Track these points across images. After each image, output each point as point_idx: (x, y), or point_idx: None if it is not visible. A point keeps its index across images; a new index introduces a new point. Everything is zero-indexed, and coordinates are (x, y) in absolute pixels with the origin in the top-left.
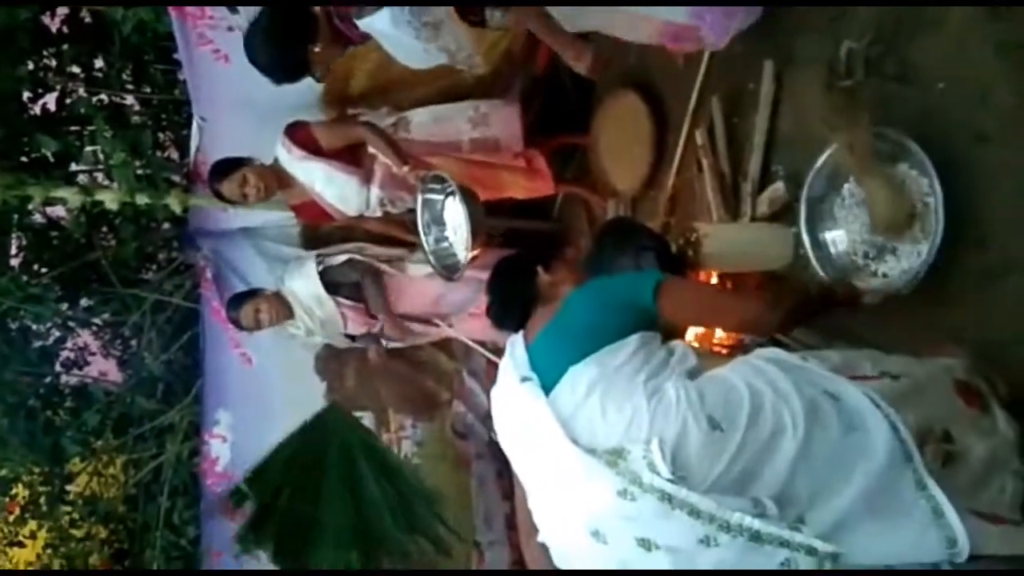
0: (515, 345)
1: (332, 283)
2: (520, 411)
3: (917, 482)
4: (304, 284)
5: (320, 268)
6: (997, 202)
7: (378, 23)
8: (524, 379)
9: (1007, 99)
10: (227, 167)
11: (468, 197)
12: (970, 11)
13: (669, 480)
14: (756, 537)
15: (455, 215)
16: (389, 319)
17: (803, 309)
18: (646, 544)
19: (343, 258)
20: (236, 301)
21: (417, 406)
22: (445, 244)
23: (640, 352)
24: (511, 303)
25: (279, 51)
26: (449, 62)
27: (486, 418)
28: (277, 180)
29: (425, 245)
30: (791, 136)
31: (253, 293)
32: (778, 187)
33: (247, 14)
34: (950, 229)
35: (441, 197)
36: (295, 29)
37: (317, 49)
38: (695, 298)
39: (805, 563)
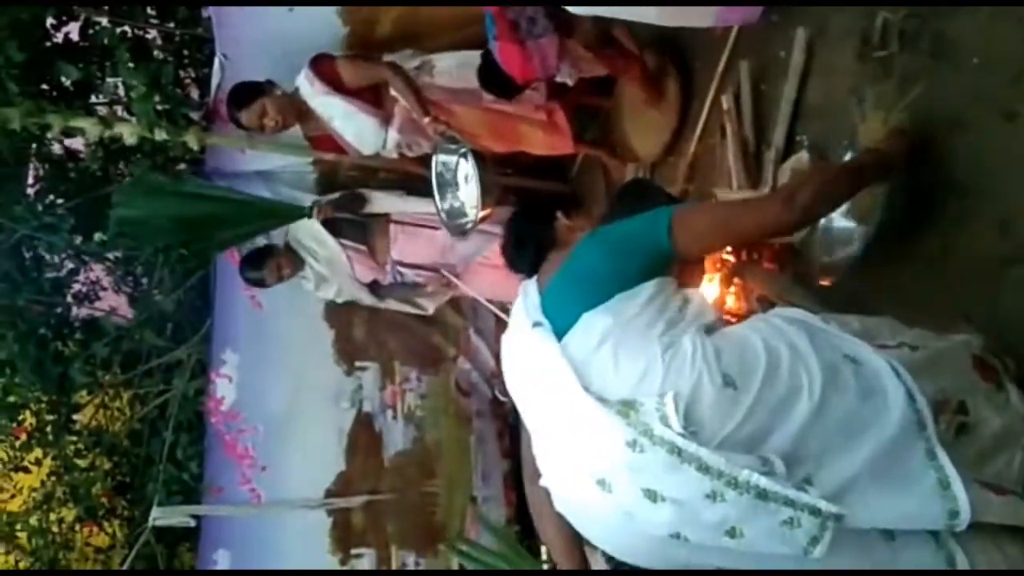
0: (528, 290)
1: (333, 226)
2: (531, 356)
3: (927, 452)
4: (306, 227)
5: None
6: (1020, 186)
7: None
8: (536, 324)
9: None
10: (247, 94)
11: (480, 159)
12: None
13: (680, 434)
14: (762, 495)
15: (467, 175)
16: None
17: (832, 186)
18: (652, 495)
19: (338, 194)
20: (254, 262)
21: (423, 360)
22: (457, 204)
23: (656, 300)
24: (527, 243)
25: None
26: None
27: (491, 377)
28: (296, 112)
29: (438, 203)
30: (819, 106)
31: (269, 251)
32: (802, 156)
33: None
34: (971, 209)
35: (455, 158)
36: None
37: None
38: (709, 219)
39: (808, 522)
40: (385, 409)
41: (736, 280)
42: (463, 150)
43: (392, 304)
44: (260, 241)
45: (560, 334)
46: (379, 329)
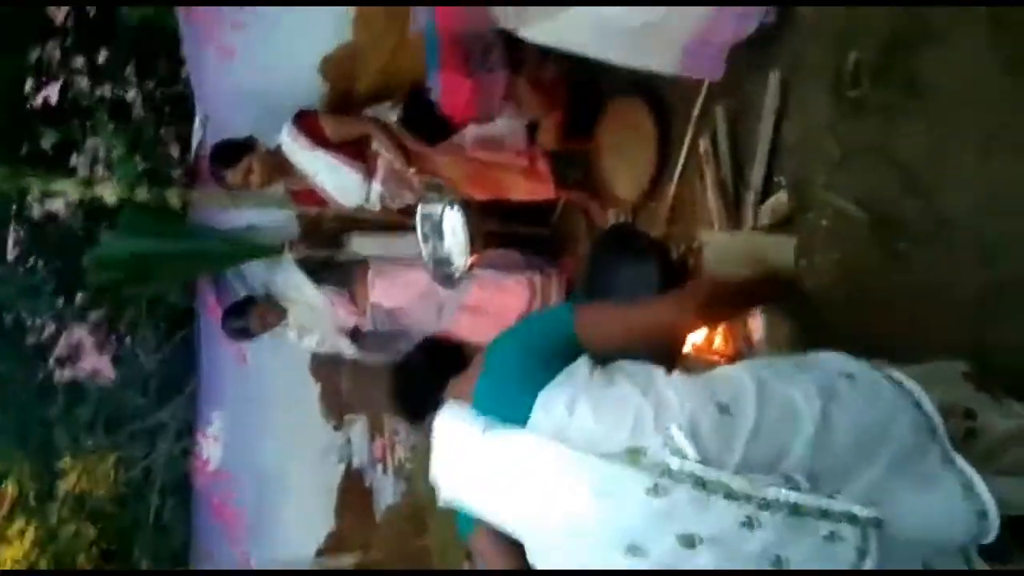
0: (450, 413)
1: (312, 272)
2: (499, 462)
3: (943, 456)
4: (284, 275)
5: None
6: (1002, 218)
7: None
8: (487, 429)
9: (1015, 113)
10: (233, 153)
11: (466, 208)
12: (976, 25)
13: (699, 461)
14: (796, 511)
15: (453, 225)
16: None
17: (722, 295)
18: (688, 541)
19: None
20: (237, 313)
21: None
22: (443, 252)
23: (599, 365)
24: (417, 394)
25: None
26: None
27: None
28: (280, 168)
29: (424, 253)
30: (795, 146)
31: (251, 301)
32: (781, 196)
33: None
34: (953, 244)
35: (439, 207)
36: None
37: None
38: (609, 318)
39: (848, 533)
40: (375, 463)
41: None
42: (449, 200)
43: (372, 357)
44: (240, 293)
45: (520, 424)
46: (366, 381)
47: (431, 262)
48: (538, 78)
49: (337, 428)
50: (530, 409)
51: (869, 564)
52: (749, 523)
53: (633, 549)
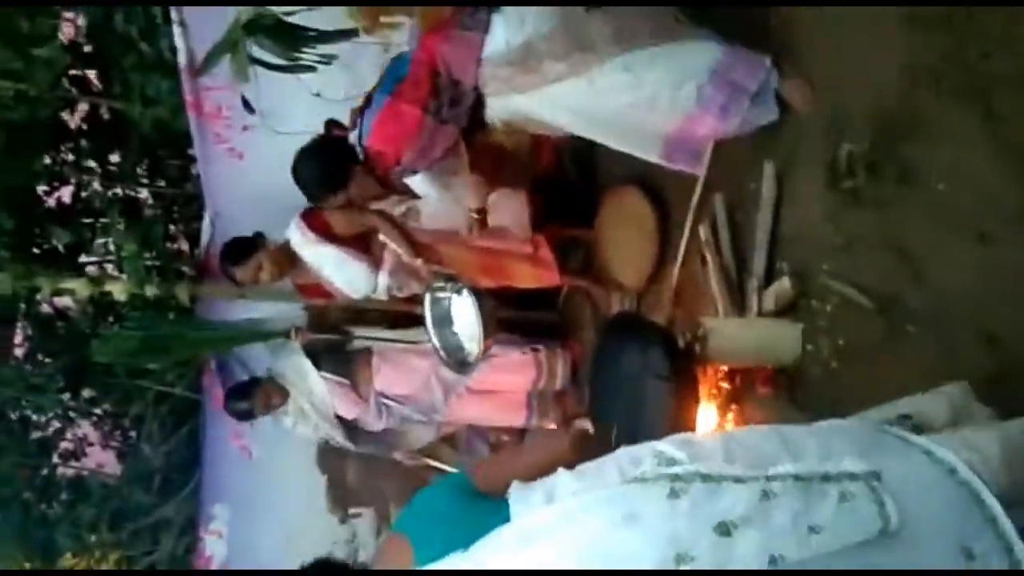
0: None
1: (317, 359)
2: (512, 556)
3: (899, 438)
4: (288, 359)
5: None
6: (1000, 303)
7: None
8: (467, 548)
9: (1010, 200)
10: (243, 250)
11: (477, 294)
12: (966, 112)
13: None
14: (800, 479)
15: (463, 311)
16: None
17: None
18: (724, 528)
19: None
20: (240, 394)
21: None
22: (453, 339)
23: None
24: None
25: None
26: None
27: None
28: (289, 262)
29: (435, 341)
30: (796, 234)
31: (256, 383)
32: (784, 283)
33: (262, 113)
34: (955, 328)
35: (448, 295)
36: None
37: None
38: (498, 470)
39: (857, 489)
40: None
41: (733, 406)
42: (459, 287)
43: (363, 448)
44: (243, 376)
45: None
46: (373, 472)
47: (442, 350)
48: (485, 146)
49: (343, 521)
50: (507, 512)
51: (894, 518)
52: (767, 495)
53: (681, 559)
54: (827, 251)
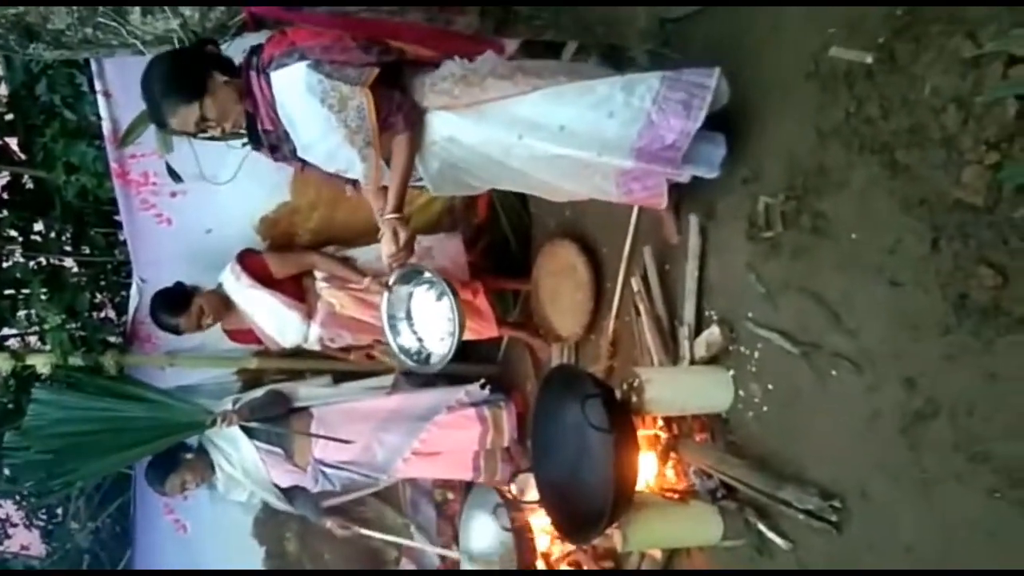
0: None
1: (250, 430)
2: None
3: None
4: (220, 430)
5: (237, 406)
6: (912, 344)
7: (294, 74)
8: None
9: (916, 248)
10: (179, 300)
11: (452, 287)
12: (872, 170)
13: None
14: None
15: (427, 307)
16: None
17: None
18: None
19: (260, 392)
20: (157, 472)
21: (363, 567)
22: (412, 342)
23: None
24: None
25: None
26: (345, 139)
27: None
28: (224, 304)
29: (393, 344)
30: (722, 283)
31: (174, 462)
32: (714, 331)
33: (190, 182)
34: (873, 368)
35: (411, 288)
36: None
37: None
38: None
39: None
40: None
41: (672, 455)
42: (423, 279)
43: (303, 511)
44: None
45: None
46: (313, 541)
47: (403, 353)
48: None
49: None
50: None
51: None
52: None
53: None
54: (751, 299)
